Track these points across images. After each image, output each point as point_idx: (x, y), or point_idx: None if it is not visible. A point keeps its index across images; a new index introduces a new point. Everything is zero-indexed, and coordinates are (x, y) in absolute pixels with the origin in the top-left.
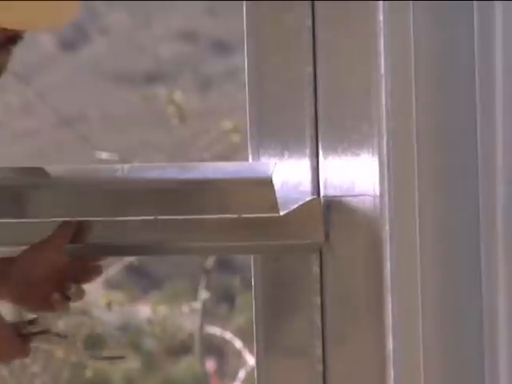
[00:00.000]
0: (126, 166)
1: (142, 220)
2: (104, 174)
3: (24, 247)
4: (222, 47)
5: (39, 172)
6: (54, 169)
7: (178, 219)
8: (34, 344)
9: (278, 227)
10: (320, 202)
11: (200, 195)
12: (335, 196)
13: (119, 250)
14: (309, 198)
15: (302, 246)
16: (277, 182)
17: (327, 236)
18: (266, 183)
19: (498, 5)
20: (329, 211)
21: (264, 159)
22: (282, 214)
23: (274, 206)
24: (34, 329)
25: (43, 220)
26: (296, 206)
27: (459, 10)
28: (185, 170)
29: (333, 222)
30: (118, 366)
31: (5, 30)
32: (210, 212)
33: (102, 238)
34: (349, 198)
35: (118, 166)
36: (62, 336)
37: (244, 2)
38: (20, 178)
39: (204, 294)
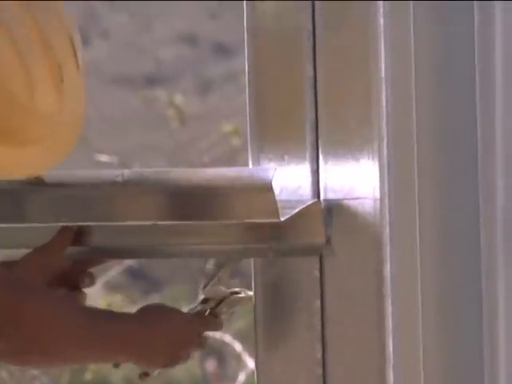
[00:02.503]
0: (127, 172)
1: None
2: (104, 179)
3: (24, 251)
4: (222, 50)
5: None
6: (55, 174)
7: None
8: (224, 314)
9: (278, 231)
10: (321, 205)
11: (200, 201)
12: (335, 199)
13: (119, 253)
14: (309, 202)
15: (303, 249)
16: (277, 187)
17: (328, 239)
18: (267, 189)
19: (498, 5)
20: (329, 215)
21: (264, 163)
22: (282, 219)
23: (274, 211)
24: (209, 306)
25: (43, 225)
26: (297, 210)
27: (459, 14)
28: (185, 176)
29: (333, 226)
30: (116, 370)
31: None
32: (209, 218)
33: (102, 241)
34: (349, 202)
35: (119, 172)
36: (240, 292)
37: (244, 5)
38: (20, 183)
39: None
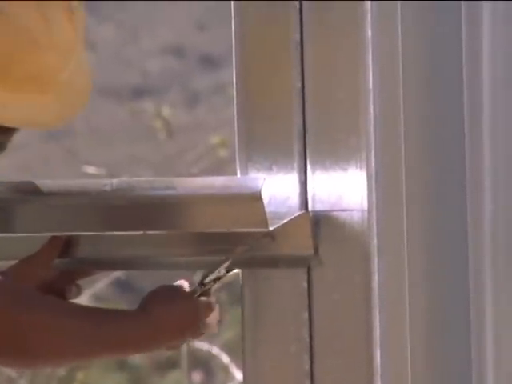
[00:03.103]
0: (115, 181)
1: (130, 234)
2: (93, 188)
3: (12, 262)
4: (209, 62)
5: (27, 186)
6: (43, 183)
7: (165, 233)
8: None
9: (267, 241)
10: (309, 216)
11: (189, 210)
12: (323, 210)
13: (107, 265)
14: (298, 213)
15: (291, 260)
16: (265, 197)
17: (316, 250)
18: (256, 198)
19: (486, 5)
20: (317, 226)
21: (252, 174)
22: (271, 229)
23: (263, 221)
24: (207, 286)
25: (31, 234)
26: (285, 220)
27: (447, 14)
28: (174, 185)
29: (321, 237)
30: (104, 381)
31: None
32: (198, 227)
33: (90, 253)
34: (337, 213)
35: (107, 181)
36: (228, 271)
37: (232, 16)
38: (8, 193)
39: None
